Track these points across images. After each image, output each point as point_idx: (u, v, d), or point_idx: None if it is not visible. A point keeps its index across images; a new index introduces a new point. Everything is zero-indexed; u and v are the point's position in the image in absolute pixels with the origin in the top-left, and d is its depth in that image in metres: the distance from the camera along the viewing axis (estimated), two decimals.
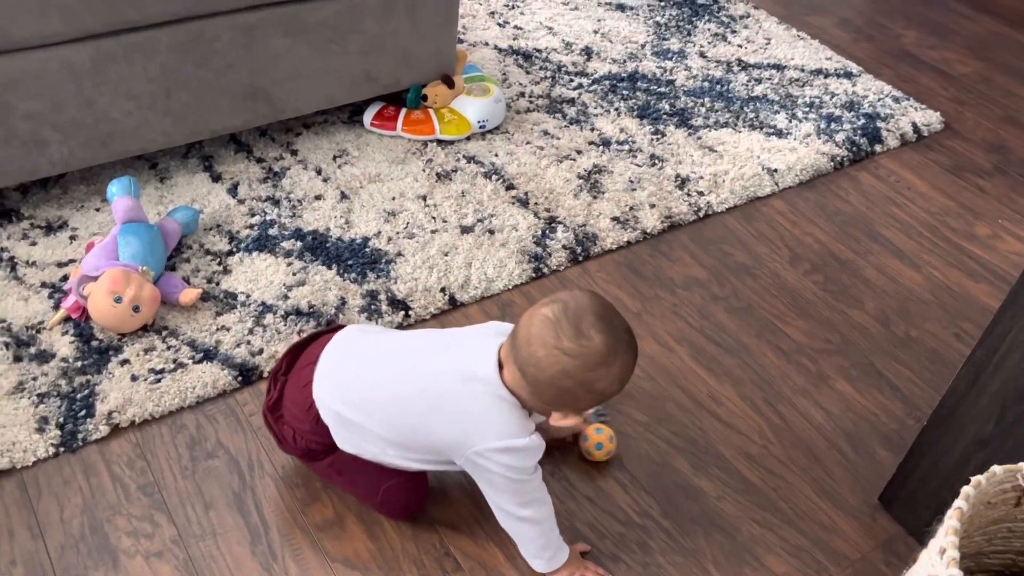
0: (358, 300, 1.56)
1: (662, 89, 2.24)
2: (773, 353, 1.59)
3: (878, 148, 2.12)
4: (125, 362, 1.39)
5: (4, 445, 1.26)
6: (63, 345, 1.41)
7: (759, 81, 2.32)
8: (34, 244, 1.58)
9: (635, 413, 1.44)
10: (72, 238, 1.60)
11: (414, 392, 1.12)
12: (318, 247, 1.65)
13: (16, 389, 1.34)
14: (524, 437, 1.08)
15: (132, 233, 1.49)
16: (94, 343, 1.42)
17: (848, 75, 2.37)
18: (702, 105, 2.19)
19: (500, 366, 1.09)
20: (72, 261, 1.55)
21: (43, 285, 1.51)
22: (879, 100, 2.27)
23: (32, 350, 1.40)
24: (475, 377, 1.09)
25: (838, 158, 2.06)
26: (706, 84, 2.28)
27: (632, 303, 1.65)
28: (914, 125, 2.20)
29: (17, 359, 1.38)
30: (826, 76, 2.35)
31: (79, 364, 1.38)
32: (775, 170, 2.00)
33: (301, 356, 1.21)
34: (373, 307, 1.55)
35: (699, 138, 2.08)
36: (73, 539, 1.19)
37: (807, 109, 2.21)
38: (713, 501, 1.34)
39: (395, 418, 1.13)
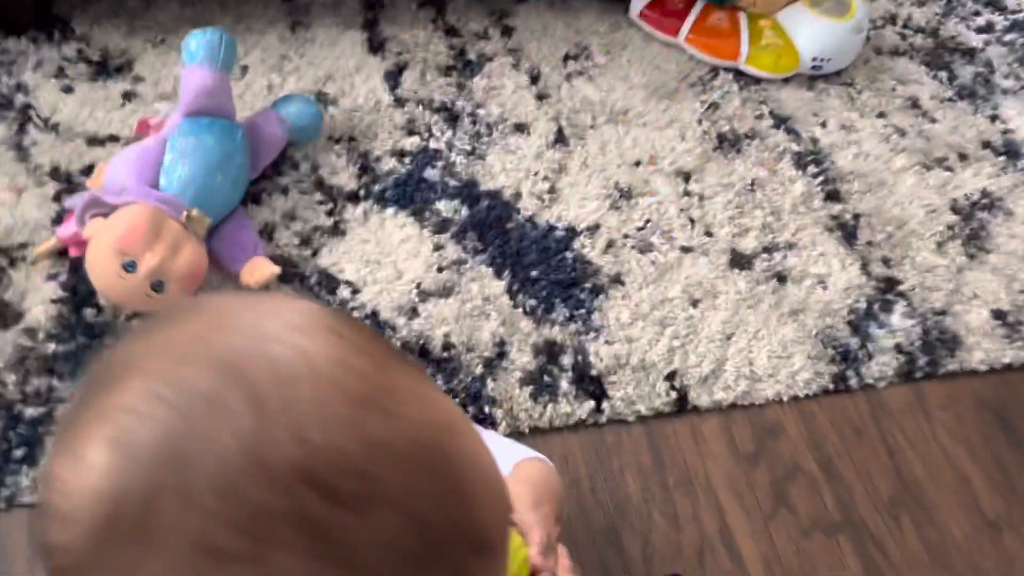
0: (526, 355, 0.90)
1: None
2: None
3: None
4: None
5: None
6: (39, 303, 0.85)
7: None
8: (70, 90, 1.00)
9: None
10: (128, 96, 1.01)
11: None
12: (493, 225, 0.98)
13: None
14: None
15: (195, 137, 0.87)
16: (87, 313, 0.85)
17: None
18: None
19: None
20: (113, 140, 0.96)
21: (53, 173, 0.93)
22: None
23: None
24: None
25: None
26: None
27: (990, 500, 0.92)
28: None
29: None
30: None
31: (51, 348, 0.83)
32: None
33: None
34: (546, 377, 0.90)
35: None
36: None
37: None
38: None
39: None
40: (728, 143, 1.12)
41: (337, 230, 0.95)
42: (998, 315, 1.03)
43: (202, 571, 0.28)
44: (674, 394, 0.91)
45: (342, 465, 0.28)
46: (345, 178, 0.99)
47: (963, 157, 1.17)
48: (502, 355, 0.90)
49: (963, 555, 0.88)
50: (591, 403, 0.89)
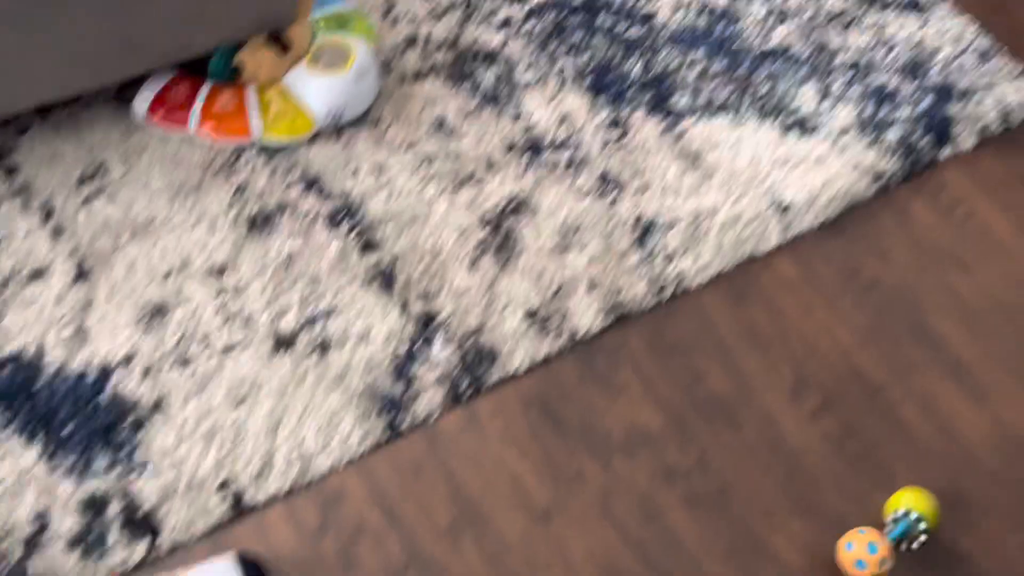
0: (71, 518, 0.93)
1: (634, 31, 1.45)
2: None
3: (945, 152, 1.41)
4: None
5: None
6: None
7: (783, 18, 1.53)
8: None
9: None
10: None
11: None
12: (20, 391, 0.99)
13: None
14: None
15: None
16: None
17: (916, 5, 1.58)
18: (692, 64, 1.43)
19: None
20: None
21: None
22: (955, 57, 1.51)
23: None
24: None
25: (885, 175, 1.36)
26: (702, 23, 1.49)
27: (540, 492, 1.04)
28: (1003, 107, 1.46)
29: None
30: (884, 6, 1.57)
31: None
32: (787, 205, 1.30)
33: None
34: (92, 532, 0.92)
35: (679, 135, 1.34)
36: None
37: (848, 76, 1.45)
38: None
39: None
40: (260, 222, 1.16)
41: None
42: (530, 314, 1.14)
43: None
44: (229, 500, 0.96)
45: None
46: None
47: (491, 166, 1.27)
48: (43, 528, 0.92)
49: (518, 554, 1.00)
50: (146, 540, 0.93)
